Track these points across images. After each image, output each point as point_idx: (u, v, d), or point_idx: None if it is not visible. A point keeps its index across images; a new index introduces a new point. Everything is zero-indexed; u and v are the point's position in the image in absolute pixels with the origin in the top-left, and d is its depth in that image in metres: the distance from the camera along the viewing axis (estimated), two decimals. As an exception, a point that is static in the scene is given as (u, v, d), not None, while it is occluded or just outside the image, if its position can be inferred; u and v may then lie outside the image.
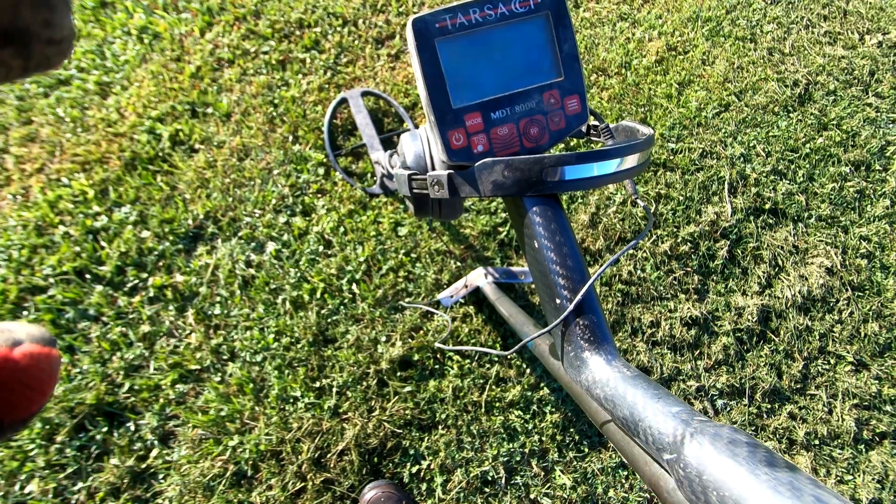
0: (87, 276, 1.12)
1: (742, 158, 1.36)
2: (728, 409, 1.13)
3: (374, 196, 1.23)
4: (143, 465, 0.98)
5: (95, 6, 1.46)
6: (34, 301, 1.08)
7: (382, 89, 1.36)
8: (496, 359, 1.10)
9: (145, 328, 1.08)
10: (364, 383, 1.05)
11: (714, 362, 1.15)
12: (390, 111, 1.35)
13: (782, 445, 1.11)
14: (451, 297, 1.10)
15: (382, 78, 1.38)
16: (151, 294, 1.11)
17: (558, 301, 0.46)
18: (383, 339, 1.09)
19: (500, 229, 1.21)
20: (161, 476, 0.98)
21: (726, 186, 1.32)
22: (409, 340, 1.09)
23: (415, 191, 0.56)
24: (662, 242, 1.23)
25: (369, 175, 1.27)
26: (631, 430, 0.36)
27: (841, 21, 1.65)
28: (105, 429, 0.99)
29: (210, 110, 1.31)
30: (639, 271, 1.20)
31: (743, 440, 0.29)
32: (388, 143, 1.31)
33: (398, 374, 1.07)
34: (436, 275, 1.16)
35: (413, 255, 1.17)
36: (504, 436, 1.05)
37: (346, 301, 1.12)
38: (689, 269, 1.22)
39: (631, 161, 0.46)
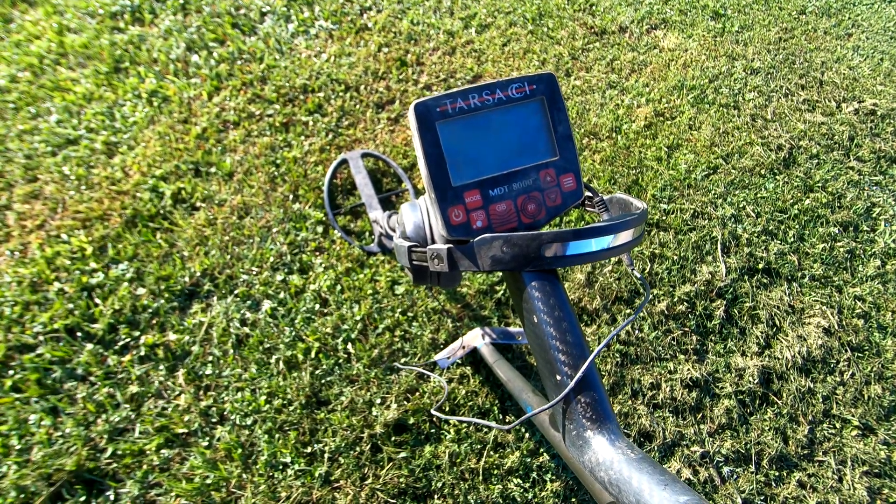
0: (79, 333, 1.10)
1: (733, 219, 1.39)
2: (735, 476, 1.09)
3: (372, 254, 1.24)
4: (120, 540, 0.92)
5: (109, 71, 1.53)
6: (21, 360, 1.06)
7: (382, 151, 1.41)
8: (495, 422, 1.06)
9: (133, 389, 1.05)
10: (357, 448, 1.01)
11: (717, 426, 1.12)
12: (389, 171, 1.39)
13: (793, 517, 1.06)
14: (448, 358, 1.09)
15: (382, 140, 1.43)
16: (143, 353, 1.09)
17: (559, 377, 0.46)
18: (378, 401, 1.06)
19: (497, 288, 1.22)
20: (138, 552, 0.92)
21: (719, 246, 1.34)
22: (405, 403, 1.07)
23: (414, 263, 0.57)
24: (659, 302, 1.23)
25: (367, 234, 1.29)
26: None
27: (818, 90, 1.75)
28: (83, 498, 0.94)
29: (213, 169, 1.35)
30: (637, 331, 1.19)
31: None
32: (387, 203, 1.34)
33: (393, 438, 1.03)
34: (433, 334, 1.15)
35: (410, 315, 1.17)
36: (503, 506, 1.00)
37: (340, 361, 1.10)
38: (686, 329, 1.22)
39: (626, 236, 0.47)
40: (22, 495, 0.93)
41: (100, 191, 1.30)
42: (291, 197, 1.31)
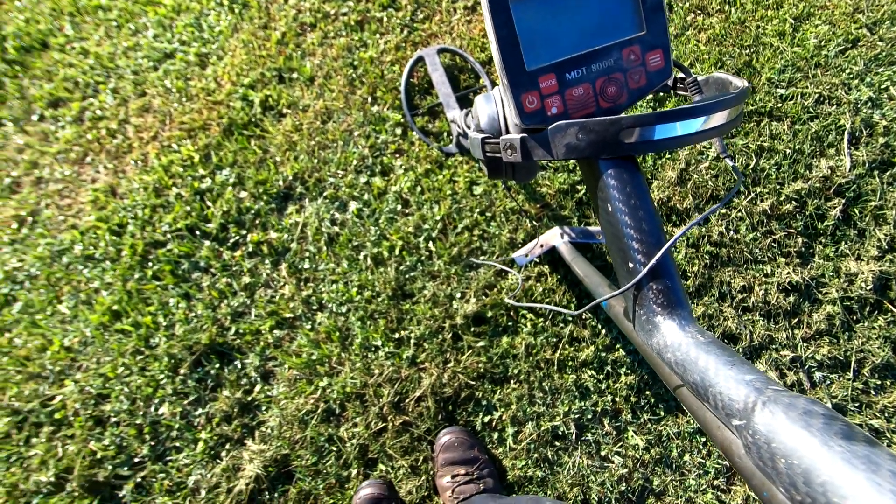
0: (197, 232, 1.26)
1: (870, 103, 1.18)
2: (827, 382, 1.04)
3: (450, 155, 1.24)
4: (249, 398, 1.12)
5: (192, -20, 1.55)
6: (157, 254, 1.24)
7: (458, 45, 1.34)
8: (570, 318, 1.09)
9: (246, 279, 1.20)
10: (440, 336, 1.10)
11: (815, 332, 1.06)
12: (466, 67, 1.33)
13: (891, 425, 1.01)
14: (526, 255, 1.10)
15: (459, 33, 1.35)
16: (250, 249, 1.22)
17: (631, 265, 0.45)
18: (458, 295, 1.13)
19: (579, 188, 1.17)
20: (263, 408, 1.11)
21: (846, 136, 1.15)
22: (483, 297, 1.12)
23: (488, 154, 0.56)
24: (762, 201, 1.12)
25: (445, 134, 1.28)
26: (700, 395, 0.35)
27: None
28: (217, 365, 1.14)
29: (295, 75, 1.38)
30: (731, 232, 1.11)
31: (819, 412, 0.27)
32: (465, 101, 1.30)
33: (472, 329, 1.10)
34: (510, 234, 1.16)
35: (488, 214, 1.18)
36: (576, 394, 1.05)
37: (422, 258, 1.17)
38: (792, 230, 1.11)
39: (718, 118, 0.42)
40: (172, 361, 1.15)
41: (198, 102, 1.39)
42: (370, 99, 1.32)
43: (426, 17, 1.39)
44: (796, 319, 1.07)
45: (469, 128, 0.87)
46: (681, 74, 0.54)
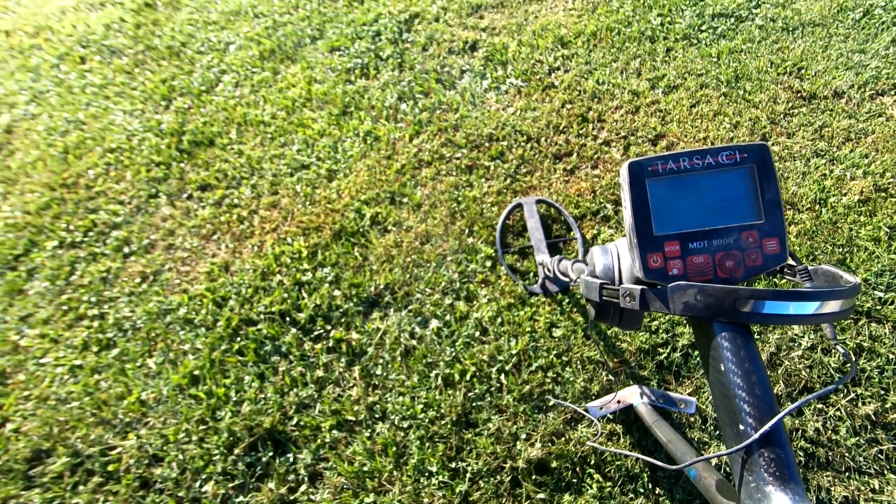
0: (288, 318, 1.35)
1: (981, 324, 1.13)
2: None
3: (534, 295, 1.30)
4: (291, 498, 1.08)
5: (339, 114, 1.88)
6: (247, 330, 1.33)
7: (555, 199, 1.48)
8: (642, 490, 1.00)
9: (319, 373, 1.24)
10: (498, 477, 1.05)
11: (939, 578, 0.90)
12: (560, 219, 1.45)
13: None
14: (601, 408, 1.07)
15: (556, 189, 1.51)
16: (330, 344, 1.29)
17: (742, 427, 0.45)
18: (523, 436, 1.09)
19: (661, 350, 1.17)
20: (303, 513, 1.06)
21: (958, 354, 1.09)
22: (549, 445, 1.07)
23: (604, 298, 0.61)
24: (865, 404, 1.05)
25: (531, 274, 1.35)
26: None
27: None
28: (271, 454, 1.13)
29: (405, 200, 1.56)
30: (829, 432, 1.03)
31: None
32: (554, 249, 1.39)
33: (533, 476, 1.04)
34: (585, 383, 1.14)
35: (564, 359, 1.18)
36: (641, 584, 0.93)
37: (492, 389, 1.16)
38: (901, 444, 1.01)
39: (831, 307, 0.46)
40: (231, 438, 1.16)
41: (318, 207, 1.59)
42: (467, 231, 1.45)
43: (529, 171, 1.57)
44: (913, 555, 0.92)
45: (563, 273, 0.93)
46: (792, 262, 0.58)
